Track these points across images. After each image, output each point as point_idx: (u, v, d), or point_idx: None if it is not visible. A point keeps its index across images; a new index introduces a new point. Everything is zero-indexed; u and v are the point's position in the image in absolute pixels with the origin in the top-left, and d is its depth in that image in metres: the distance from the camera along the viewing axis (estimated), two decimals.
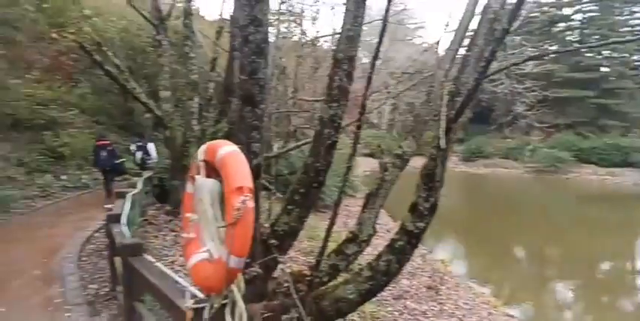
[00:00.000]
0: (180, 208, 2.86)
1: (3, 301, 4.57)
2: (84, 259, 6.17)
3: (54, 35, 7.70)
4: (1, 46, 9.34)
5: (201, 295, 2.36)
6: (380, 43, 3.31)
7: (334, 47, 4.10)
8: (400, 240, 3.99)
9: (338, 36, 4.14)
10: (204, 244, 2.26)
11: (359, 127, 3.70)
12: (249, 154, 3.54)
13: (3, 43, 9.13)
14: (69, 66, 13.21)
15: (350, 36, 3.88)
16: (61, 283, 5.11)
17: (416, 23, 38.77)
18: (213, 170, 2.40)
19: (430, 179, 3.91)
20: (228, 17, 10.84)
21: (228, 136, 7.02)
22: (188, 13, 9.21)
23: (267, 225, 4.31)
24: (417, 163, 4.92)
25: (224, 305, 2.13)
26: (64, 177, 11.40)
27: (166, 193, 9.66)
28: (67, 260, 5.94)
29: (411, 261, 6.73)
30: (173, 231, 8.03)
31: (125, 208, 5.42)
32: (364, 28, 4.29)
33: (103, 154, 9.98)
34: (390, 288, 6.63)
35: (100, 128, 14.89)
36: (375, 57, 3.46)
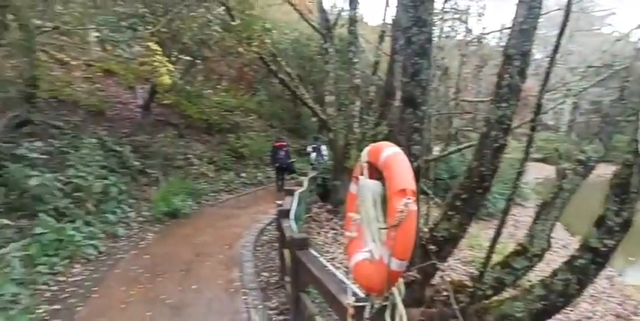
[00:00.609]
0: (343, 207, 2.98)
1: (196, 279, 5.39)
2: (258, 248, 6.90)
3: (240, 50, 8.82)
4: (199, 62, 11.10)
5: (361, 294, 2.42)
6: (561, 34, 2.96)
7: (504, 43, 3.80)
8: (582, 258, 3.50)
9: (508, 31, 3.83)
10: (366, 244, 2.31)
11: (533, 129, 3.36)
12: (409, 156, 3.51)
13: (200, 59, 10.80)
14: (250, 76, 14.95)
15: (524, 29, 3.55)
16: (239, 269, 5.80)
17: (605, 10, 33.62)
18: (376, 171, 2.44)
19: (623, 190, 3.34)
20: (390, 21, 10.94)
21: (387, 139, 7.10)
22: (353, 21, 9.57)
23: (425, 229, 4.22)
24: (602, 170, 4.26)
25: (384, 307, 2.14)
26: (243, 174, 12.93)
27: (328, 192, 10.22)
28: (245, 248, 6.72)
29: (595, 283, 5.84)
30: (333, 229, 8.43)
31: (293, 204, 5.89)
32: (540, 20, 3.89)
33: (281, 153, 11.30)
34: (566, 311, 5.87)
35: (273, 131, 16.51)
36: (555, 50, 3.10)
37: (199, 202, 9.97)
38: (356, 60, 9.59)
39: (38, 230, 5.72)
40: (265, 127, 16.83)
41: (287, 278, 4.60)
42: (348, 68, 9.84)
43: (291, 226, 4.87)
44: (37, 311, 4.24)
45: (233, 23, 8.03)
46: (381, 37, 11.06)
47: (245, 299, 4.82)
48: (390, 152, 2.23)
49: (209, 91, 13.95)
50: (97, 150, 8.31)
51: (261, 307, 4.65)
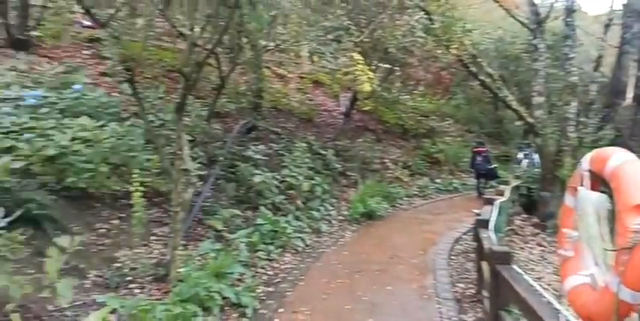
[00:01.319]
0: (552, 221, 2.64)
1: (390, 281, 5.52)
2: (453, 257, 6.68)
3: (439, 53, 8.73)
4: (397, 69, 11.40)
5: None
6: None
7: None
8: None
9: None
10: (586, 266, 2.01)
11: None
12: None
13: (398, 66, 11.07)
14: (447, 80, 14.61)
15: None
16: (433, 276, 5.71)
17: None
18: (600, 182, 2.11)
19: None
20: (620, 7, 9.28)
21: (613, 144, 6.02)
22: (570, 11, 8.47)
23: None
24: None
25: None
26: (438, 180, 12.70)
27: (534, 204, 9.24)
28: (439, 256, 6.58)
29: None
30: (540, 245, 7.57)
31: (493, 214, 5.50)
32: None
33: (479, 159, 11.03)
34: None
35: (470, 136, 15.77)
36: None
37: (394, 205, 10.18)
38: (572, 55, 8.45)
39: (259, 221, 6.68)
40: (462, 132, 16.20)
41: (485, 293, 4.32)
42: (562, 65, 8.73)
43: (490, 238, 4.56)
44: (256, 291, 4.96)
45: (433, 26, 7.99)
46: (607, 27, 9.48)
47: (439, 308, 4.71)
48: (620, 160, 1.90)
49: (406, 96, 14.17)
50: (306, 153, 9.28)
51: (456, 319, 4.48)
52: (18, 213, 3.52)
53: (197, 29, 5.01)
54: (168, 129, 6.82)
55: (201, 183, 6.56)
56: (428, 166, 13.15)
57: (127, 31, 4.21)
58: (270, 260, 6.00)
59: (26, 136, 4.70)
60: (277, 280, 5.46)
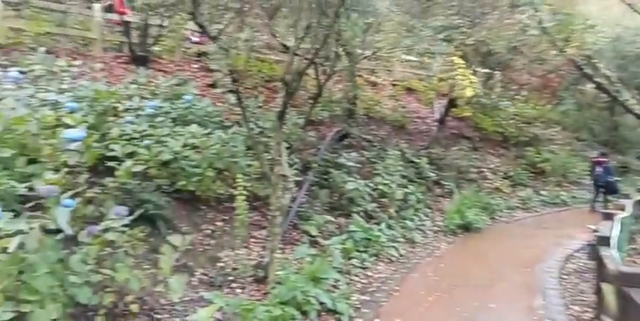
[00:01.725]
0: None
1: (493, 299, 5.16)
2: (564, 277, 6.07)
3: (553, 53, 8.08)
4: (497, 73, 10.77)
5: None
6: None
7: None
8: None
9: None
10: None
11: None
12: None
13: (501, 69, 10.45)
14: (555, 84, 13.53)
15: None
16: (542, 296, 5.22)
17: None
18: None
19: None
20: None
21: None
22: None
23: None
24: None
25: None
26: (543, 192, 11.72)
27: None
28: (548, 274, 6.02)
29: None
30: None
31: (614, 231, 4.92)
32: None
33: (598, 170, 10.28)
34: None
35: (580, 145, 14.42)
36: None
37: (493, 217, 9.57)
38: None
39: (352, 228, 6.65)
40: (570, 140, 14.84)
41: (606, 318, 3.85)
42: None
43: (612, 257, 4.07)
44: (351, 298, 4.91)
45: (548, 25, 7.41)
46: None
47: None
48: None
49: (506, 102, 13.33)
50: (398, 161, 9.11)
51: None
52: (139, 212, 3.86)
53: (296, 40, 5.15)
54: (266, 136, 7.11)
55: (296, 189, 6.71)
56: (531, 177, 12.21)
57: (233, 44, 4.44)
58: (363, 268, 5.93)
59: (145, 142, 5.16)
60: (372, 289, 5.37)
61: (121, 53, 9.53)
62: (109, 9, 9.47)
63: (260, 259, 5.10)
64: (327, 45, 5.33)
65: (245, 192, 5.05)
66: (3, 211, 3.44)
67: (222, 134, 6.12)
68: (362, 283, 5.54)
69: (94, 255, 3.47)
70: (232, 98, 8.91)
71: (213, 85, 9.67)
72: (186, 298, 4.09)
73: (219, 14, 4.26)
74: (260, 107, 8.58)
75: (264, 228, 6.04)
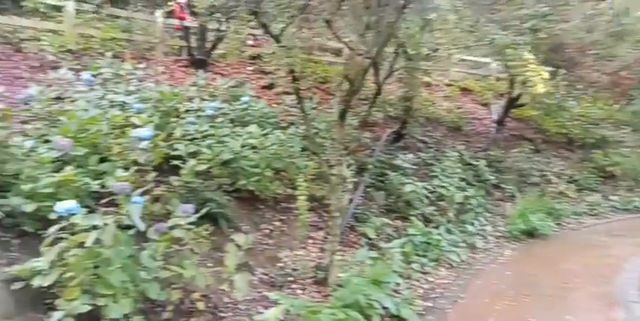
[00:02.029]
0: None
1: (569, 310, 4.80)
2: None
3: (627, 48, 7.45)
4: (565, 70, 10.17)
5: None
6: None
7: None
8: None
9: None
10: None
11: None
12: None
13: (568, 66, 9.86)
14: (628, 81, 12.62)
15: None
16: (624, 309, 4.81)
17: None
18: None
19: None
20: None
21: None
22: None
23: None
24: None
25: None
26: (613, 197, 10.94)
27: None
28: (629, 286, 5.55)
29: None
30: None
31: None
32: None
33: None
34: None
35: None
36: None
37: (559, 223, 9.01)
38: None
39: (410, 231, 6.45)
40: None
41: None
42: None
43: None
44: (414, 304, 4.73)
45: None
46: None
47: None
48: None
49: (572, 102, 12.57)
50: (456, 163, 8.79)
51: None
52: (204, 210, 3.88)
53: (356, 38, 5.05)
54: (321, 137, 7.07)
55: (352, 190, 6.61)
56: (600, 181, 11.42)
57: (295, 42, 4.41)
58: (424, 273, 5.72)
59: (207, 142, 5.23)
60: (434, 295, 5.16)
61: (181, 57, 9.83)
62: (169, 15, 9.80)
63: (319, 261, 5.02)
64: (389, 43, 5.19)
65: (306, 192, 4.99)
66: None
67: (281, 134, 6.11)
68: (423, 288, 5.34)
69: (161, 251, 3.52)
70: (288, 99, 9.01)
71: (267, 87, 9.78)
72: (248, 297, 4.07)
73: (282, 12, 4.22)
74: (314, 108, 8.55)
75: (320, 229, 5.97)
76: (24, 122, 4.77)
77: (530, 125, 12.97)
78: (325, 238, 5.74)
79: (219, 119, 6.18)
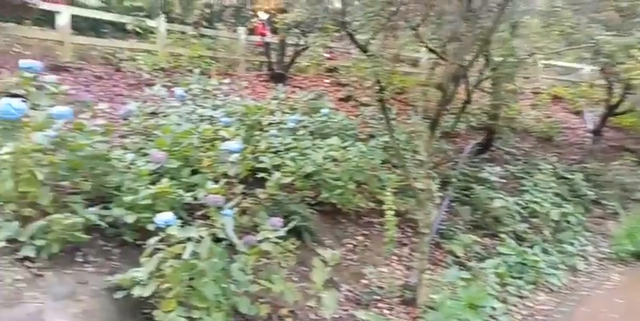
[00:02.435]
0: None
1: None
2: None
3: None
4: None
5: None
6: None
7: None
8: None
9: None
10: None
11: None
12: None
13: None
14: None
15: None
16: None
17: None
18: None
19: None
20: None
21: None
22: None
23: None
24: None
25: None
26: None
27: None
28: None
29: None
30: None
31: None
32: None
33: None
34: None
35: None
36: None
37: None
38: None
39: (502, 250, 5.99)
40: None
41: None
42: None
43: None
44: None
45: None
46: None
47: None
48: None
49: None
50: (549, 176, 8.11)
51: None
52: (292, 224, 3.82)
53: (443, 45, 4.82)
54: (402, 149, 6.85)
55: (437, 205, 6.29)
56: None
57: (382, 52, 4.28)
58: (521, 297, 5.24)
59: (291, 154, 5.23)
60: None
61: (261, 72, 10.12)
62: (251, 32, 10.16)
63: (406, 279, 4.77)
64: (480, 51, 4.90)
65: (393, 207, 4.79)
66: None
67: (362, 146, 5.98)
68: (522, 314, 4.88)
69: (250, 265, 3.50)
70: (366, 111, 8.90)
71: (345, 99, 9.76)
72: (335, 315, 3.94)
73: (370, 20, 4.12)
74: (393, 119, 8.35)
75: (404, 245, 5.73)
76: (123, 136, 5.06)
77: (630, 135, 11.75)
78: (410, 254, 5.49)
79: (300, 132, 6.19)
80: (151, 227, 3.40)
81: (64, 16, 7.37)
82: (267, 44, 9.85)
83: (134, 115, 5.14)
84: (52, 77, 3.75)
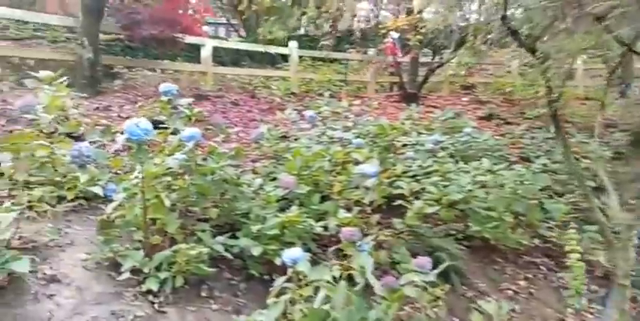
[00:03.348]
0: None
1: None
2: None
3: None
4: None
5: None
6: None
7: None
8: None
9: None
10: None
11: None
12: None
13: None
14: None
15: None
16: None
17: None
18: None
19: None
20: None
21: None
22: None
23: None
24: None
25: None
26: None
27: None
28: None
29: None
30: None
31: None
32: None
33: None
34: None
35: None
36: None
37: None
38: None
39: None
40: None
41: None
42: None
43: None
44: None
45: None
46: None
47: None
48: None
49: None
50: None
51: None
52: (443, 265, 3.10)
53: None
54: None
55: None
56: None
57: (557, 54, 3.40)
58: None
59: (433, 179, 4.52)
60: None
61: (392, 93, 9.65)
62: (380, 52, 9.82)
63: None
64: None
65: (579, 249, 3.76)
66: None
67: (522, 170, 5.01)
68: None
69: (392, 314, 2.86)
70: (517, 129, 7.79)
71: (486, 118, 8.76)
72: None
73: (537, 13, 3.33)
74: (550, 138, 7.12)
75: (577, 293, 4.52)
76: (254, 161, 4.92)
77: None
78: (590, 307, 4.28)
79: (441, 153, 5.46)
80: (278, 261, 3.02)
81: (207, 48, 7.82)
82: (398, 64, 9.38)
83: (265, 138, 4.98)
84: (186, 100, 3.66)
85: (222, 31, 18.09)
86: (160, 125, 3.45)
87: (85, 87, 5.79)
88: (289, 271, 2.64)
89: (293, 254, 2.42)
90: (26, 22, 8.08)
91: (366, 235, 3.31)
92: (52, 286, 2.55)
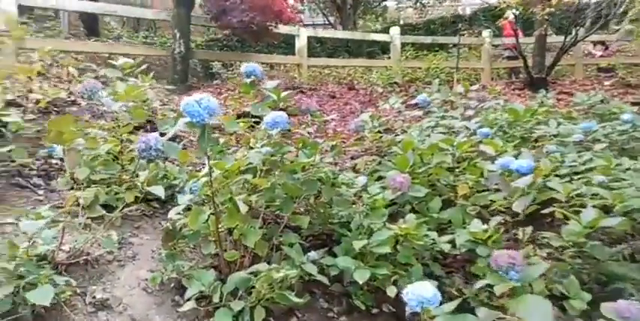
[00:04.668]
0: None
1: None
2: None
3: None
4: None
5: None
6: None
7: None
8: None
9: None
10: None
11: None
12: None
13: None
14: None
15: None
16: None
17: None
18: None
19: None
20: None
21: None
22: None
23: None
24: None
25: None
26: None
27: None
28: None
29: None
30: None
31: None
32: None
33: None
34: None
35: None
36: None
37: None
38: None
39: None
40: None
41: None
42: None
43: None
44: None
45: None
46: None
47: None
48: None
49: None
50: None
51: None
52: None
53: None
54: None
55: None
56: None
57: None
58: None
59: (597, 179, 3.32)
60: None
61: (511, 80, 8.27)
62: (496, 34, 8.51)
63: None
64: None
65: None
66: (423, 277, 2.35)
67: None
68: None
69: None
70: None
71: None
72: None
73: None
74: None
75: None
76: (353, 157, 4.14)
77: None
78: None
79: (598, 146, 4.17)
80: (391, 292, 2.17)
81: (302, 38, 7.24)
82: (519, 45, 7.99)
83: (366, 129, 4.16)
84: (272, 83, 2.96)
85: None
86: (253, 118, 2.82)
87: (176, 82, 5.48)
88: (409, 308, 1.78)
89: (421, 293, 1.54)
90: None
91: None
92: (101, 315, 1.97)
